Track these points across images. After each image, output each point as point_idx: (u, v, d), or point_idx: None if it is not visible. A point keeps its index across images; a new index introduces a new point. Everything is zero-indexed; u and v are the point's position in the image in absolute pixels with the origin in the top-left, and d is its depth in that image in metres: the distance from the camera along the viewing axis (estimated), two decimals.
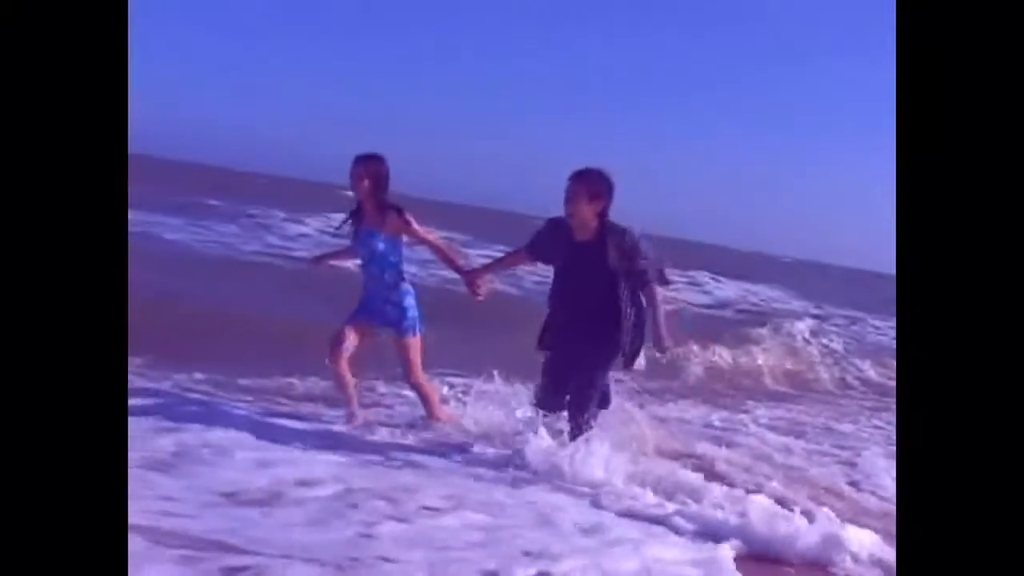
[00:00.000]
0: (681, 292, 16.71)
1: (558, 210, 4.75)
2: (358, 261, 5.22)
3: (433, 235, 5.24)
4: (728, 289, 19.58)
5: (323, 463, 4.26)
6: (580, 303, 4.72)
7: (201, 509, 3.39)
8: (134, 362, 5.62)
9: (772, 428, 6.92)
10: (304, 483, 3.86)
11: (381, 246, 4.98)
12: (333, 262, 5.61)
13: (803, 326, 12.81)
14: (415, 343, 5.06)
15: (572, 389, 4.78)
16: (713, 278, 20.37)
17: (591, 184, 4.61)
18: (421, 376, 5.16)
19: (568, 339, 4.75)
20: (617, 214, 4.70)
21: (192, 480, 3.74)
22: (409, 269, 5.33)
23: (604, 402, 4.90)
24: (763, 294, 20.30)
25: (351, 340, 5.01)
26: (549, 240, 4.86)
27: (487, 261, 5.86)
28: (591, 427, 4.72)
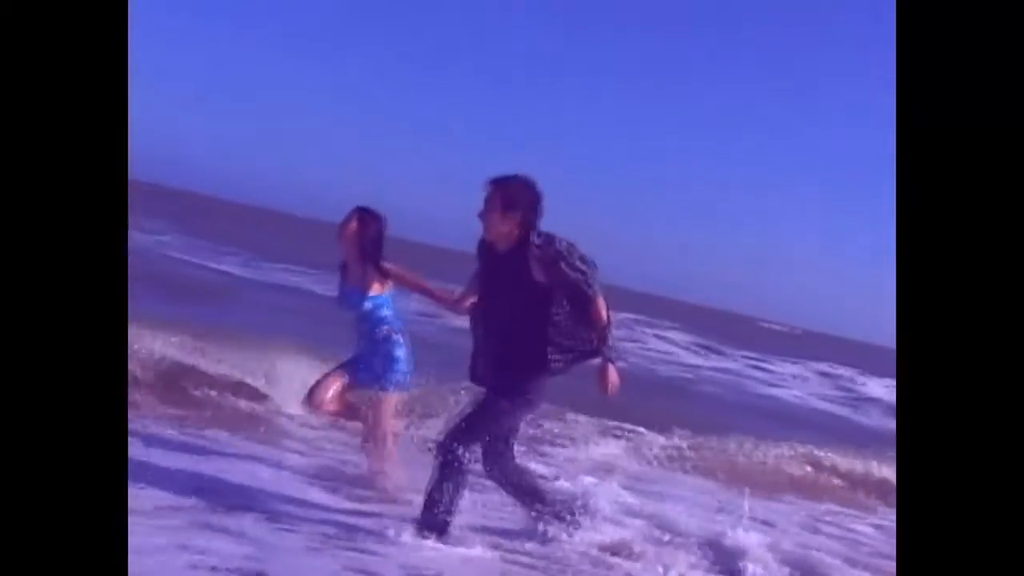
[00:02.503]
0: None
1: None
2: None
3: (412, 274, 4.88)
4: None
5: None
6: (501, 322, 4.17)
7: None
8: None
9: None
10: None
11: (368, 305, 4.77)
12: None
13: None
14: (392, 400, 4.78)
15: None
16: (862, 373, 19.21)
17: (507, 190, 4.09)
18: (386, 435, 4.79)
19: (496, 366, 4.19)
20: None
21: None
22: None
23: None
24: None
25: (334, 390, 4.82)
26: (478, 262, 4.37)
27: None
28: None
